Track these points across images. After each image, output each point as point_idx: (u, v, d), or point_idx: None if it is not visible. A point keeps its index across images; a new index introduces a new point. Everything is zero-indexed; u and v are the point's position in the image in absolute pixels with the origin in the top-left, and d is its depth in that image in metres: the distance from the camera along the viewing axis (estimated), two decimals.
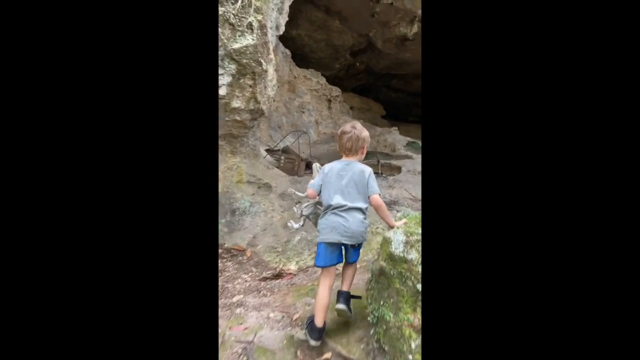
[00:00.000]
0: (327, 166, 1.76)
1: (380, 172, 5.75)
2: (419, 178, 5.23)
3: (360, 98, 10.27)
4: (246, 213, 3.55)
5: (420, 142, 6.95)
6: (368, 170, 1.71)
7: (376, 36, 8.24)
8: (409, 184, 5.11)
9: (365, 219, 1.69)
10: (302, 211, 1.86)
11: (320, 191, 1.74)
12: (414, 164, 5.68)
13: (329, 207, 1.67)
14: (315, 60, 9.18)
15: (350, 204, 1.64)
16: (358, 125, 1.79)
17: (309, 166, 5.32)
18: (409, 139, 7.13)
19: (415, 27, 7.48)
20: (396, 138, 7.06)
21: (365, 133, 1.78)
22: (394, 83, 10.92)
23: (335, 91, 8.07)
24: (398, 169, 5.59)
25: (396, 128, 7.72)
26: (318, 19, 7.87)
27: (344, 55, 9.17)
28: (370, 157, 6.20)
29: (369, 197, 1.67)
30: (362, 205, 1.66)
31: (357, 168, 1.70)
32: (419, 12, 7.15)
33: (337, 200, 1.65)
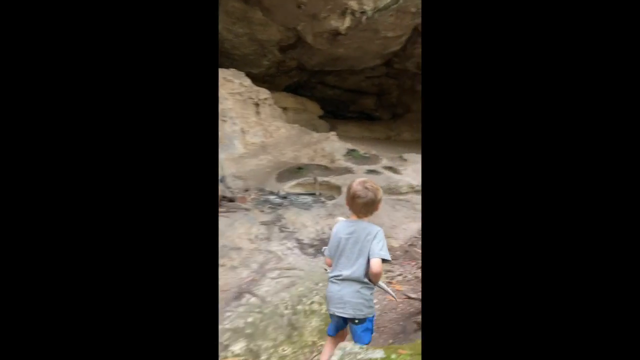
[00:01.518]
0: (336, 227, 1.66)
1: (318, 192, 4.95)
2: None
3: (294, 98, 9.37)
4: None
5: (360, 151, 6.28)
6: (375, 231, 1.56)
7: (305, 30, 7.36)
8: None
9: (364, 287, 1.56)
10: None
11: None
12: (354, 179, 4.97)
13: (330, 277, 1.63)
14: (240, 58, 8.10)
15: (345, 272, 1.56)
16: (370, 184, 1.62)
17: (232, 200, 4.34)
18: (348, 146, 6.42)
19: (348, 21, 6.73)
20: (335, 146, 6.31)
21: (380, 194, 1.63)
22: (329, 79, 10.20)
23: (264, 93, 7.08)
24: (338, 190, 4.82)
25: (334, 133, 6.98)
26: (236, 9, 6.78)
27: (271, 51, 8.19)
28: (305, 174, 5.38)
29: (369, 260, 1.53)
30: (361, 275, 1.55)
31: (363, 230, 1.57)
32: (351, 3, 6.39)
33: (337, 269, 1.59)
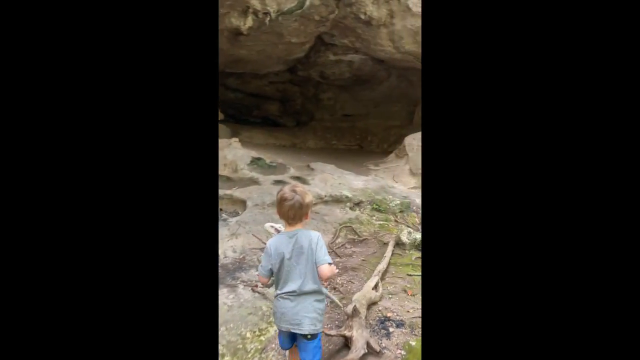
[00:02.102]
0: (271, 243, 1.58)
1: (219, 208, 4.40)
2: (271, 214, 4.13)
3: None
4: None
5: (266, 159, 5.90)
6: (315, 237, 1.55)
7: None
8: (258, 224, 3.95)
9: (317, 301, 1.56)
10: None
11: (270, 275, 1.59)
12: (262, 193, 4.56)
13: (278, 294, 1.56)
14: None
15: (299, 286, 1.52)
16: (299, 188, 1.60)
17: None
18: (253, 153, 5.98)
19: (250, 20, 6.30)
20: (238, 154, 5.80)
21: (308, 198, 1.58)
22: (231, 82, 9.58)
23: None
24: (242, 204, 4.35)
25: (237, 140, 6.45)
26: None
27: None
28: None
29: (318, 267, 1.51)
30: (314, 285, 1.54)
31: (304, 239, 1.53)
32: (253, 2, 5.99)
33: (287, 285, 1.54)
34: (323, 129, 10.49)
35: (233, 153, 5.79)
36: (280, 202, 1.55)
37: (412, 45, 6.69)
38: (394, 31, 6.71)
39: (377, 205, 5.06)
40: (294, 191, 1.55)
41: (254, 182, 5.03)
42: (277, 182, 5.03)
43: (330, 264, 1.50)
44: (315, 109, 10.75)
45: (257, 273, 1.73)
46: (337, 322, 2.33)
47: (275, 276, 1.58)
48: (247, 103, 10.70)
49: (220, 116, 9.45)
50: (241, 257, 3.27)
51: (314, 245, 1.51)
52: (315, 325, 1.53)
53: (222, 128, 9.17)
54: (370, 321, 2.33)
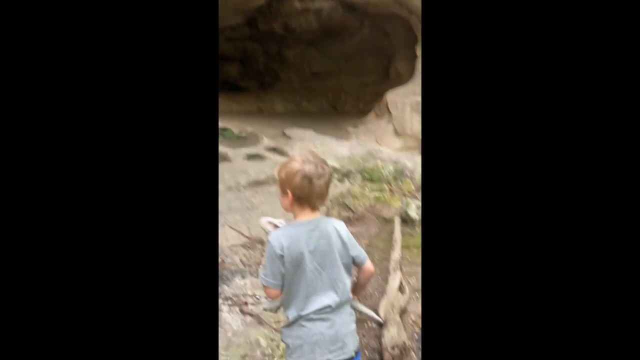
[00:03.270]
0: (278, 239, 1.12)
1: None
2: (250, 200, 3.40)
3: None
4: None
5: (233, 129, 5.04)
6: (341, 225, 1.19)
7: None
8: (235, 213, 3.22)
9: (351, 311, 1.21)
10: (268, 307, 1.34)
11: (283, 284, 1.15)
12: (234, 172, 3.77)
13: (301, 316, 1.12)
14: None
15: (336, 302, 1.13)
16: (314, 155, 1.20)
17: None
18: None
19: None
20: None
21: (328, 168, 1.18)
22: None
23: None
24: None
25: None
26: None
27: None
28: None
29: (359, 267, 1.21)
30: (348, 290, 1.17)
31: (329, 229, 1.15)
32: None
33: (315, 299, 1.12)
34: (291, 90, 9.57)
35: None
36: (309, 181, 1.13)
37: None
38: None
39: (368, 174, 4.47)
40: (322, 166, 1.14)
41: (222, 158, 4.22)
42: (252, 156, 4.25)
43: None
44: (281, 69, 9.74)
45: (262, 283, 1.19)
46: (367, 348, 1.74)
47: (287, 288, 1.15)
48: None
49: None
50: (220, 260, 2.57)
51: (345, 238, 1.16)
52: (356, 338, 1.19)
53: None
54: (405, 340, 1.76)
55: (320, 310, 1.12)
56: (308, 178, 1.11)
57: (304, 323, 1.12)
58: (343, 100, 9.36)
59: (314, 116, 8.35)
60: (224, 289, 2.24)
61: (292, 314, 1.14)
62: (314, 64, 9.50)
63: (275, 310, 1.42)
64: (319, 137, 5.15)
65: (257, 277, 2.43)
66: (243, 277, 2.39)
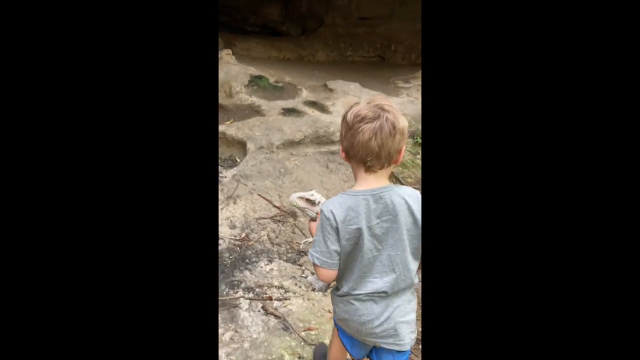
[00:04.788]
0: (334, 210, 0.99)
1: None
2: (283, 162, 2.94)
3: None
4: None
5: (269, 78, 4.48)
6: (416, 196, 1.02)
7: None
8: (265, 178, 2.78)
9: (413, 294, 1.09)
10: (317, 287, 1.29)
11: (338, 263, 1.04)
12: (268, 128, 3.29)
13: (350, 294, 1.05)
14: None
15: (393, 288, 1.02)
16: (384, 102, 0.99)
17: None
18: (252, 70, 4.54)
19: None
20: (232, 71, 4.36)
21: (403, 121, 0.98)
22: None
23: None
24: (240, 147, 3.12)
25: (229, 52, 4.94)
26: None
27: None
28: None
29: None
30: (413, 278, 1.05)
31: (396, 203, 0.99)
32: None
33: (369, 281, 1.02)
34: (335, 36, 8.69)
35: (226, 70, 4.35)
36: (355, 126, 0.95)
37: None
38: None
39: (420, 138, 3.83)
40: (380, 107, 0.95)
41: (255, 111, 3.73)
42: (288, 110, 3.72)
43: None
44: (325, 12, 8.82)
45: (314, 262, 1.03)
46: None
47: (347, 268, 1.04)
48: (242, 6, 8.77)
49: None
50: (243, 235, 2.17)
51: (417, 213, 0.98)
52: (414, 331, 1.09)
53: None
54: None
55: (373, 294, 1.03)
56: (353, 123, 0.95)
57: (352, 301, 1.05)
58: (393, 50, 8.39)
59: (359, 67, 7.54)
60: (245, 275, 1.86)
61: (342, 288, 1.07)
62: (363, 6, 8.46)
63: (325, 289, 1.28)
64: (364, 91, 4.49)
65: (286, 261, 2.03)
66: (270, 260, 2.00)
